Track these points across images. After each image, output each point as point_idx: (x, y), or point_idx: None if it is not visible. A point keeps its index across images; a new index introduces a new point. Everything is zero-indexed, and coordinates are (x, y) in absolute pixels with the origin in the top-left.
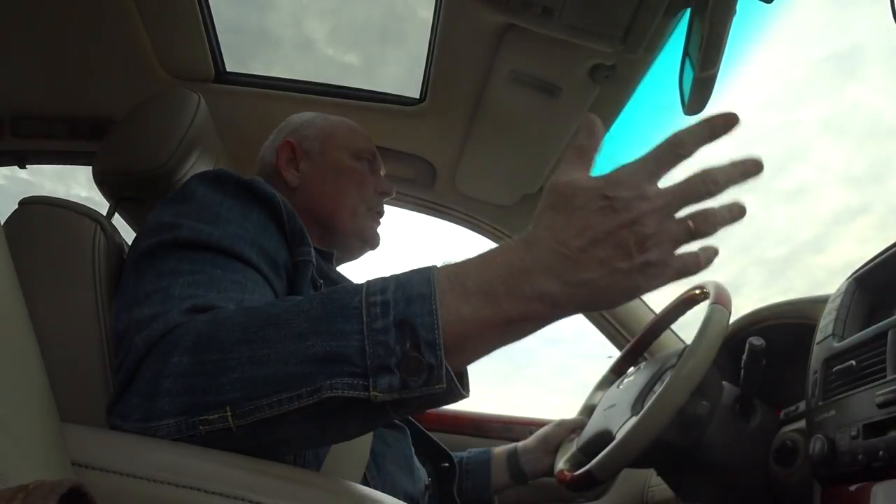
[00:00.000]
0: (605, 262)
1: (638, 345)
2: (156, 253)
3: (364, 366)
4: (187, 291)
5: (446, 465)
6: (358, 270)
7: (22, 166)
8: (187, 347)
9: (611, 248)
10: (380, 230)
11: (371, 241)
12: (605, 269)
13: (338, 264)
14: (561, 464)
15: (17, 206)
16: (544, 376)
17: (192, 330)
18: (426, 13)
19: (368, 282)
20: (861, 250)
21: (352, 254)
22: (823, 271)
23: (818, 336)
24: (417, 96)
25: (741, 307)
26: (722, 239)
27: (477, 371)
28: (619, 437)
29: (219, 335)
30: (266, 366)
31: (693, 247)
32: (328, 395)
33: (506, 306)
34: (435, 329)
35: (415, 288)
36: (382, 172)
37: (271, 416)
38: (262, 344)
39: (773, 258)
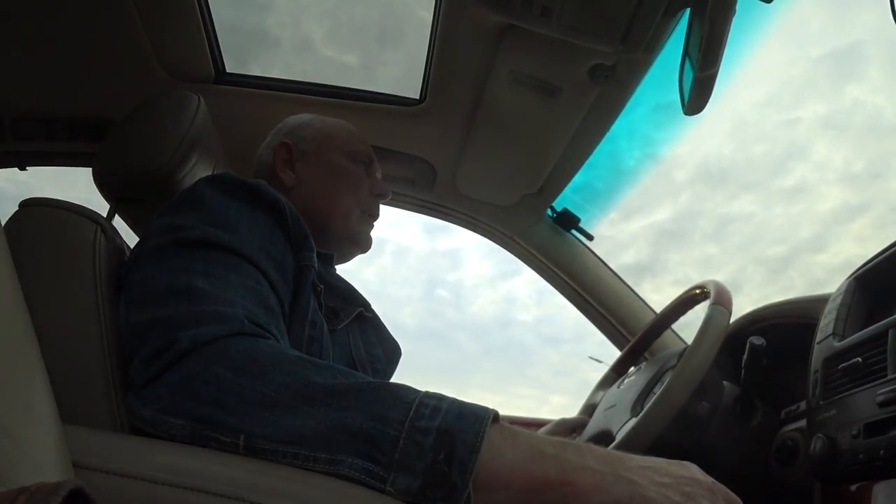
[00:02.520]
0: (659, 483)
1: (639, 344)
2: (166, 250)
3: (390, 458)
4: (234, 297)
5: None
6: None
7: (22, 168)
8: (235, 365)
9: (670, 483)
10: (372, 234)
11: (362, 245)
12: (655, 486)
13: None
14: None
15: (17, 208)
16: (545, 376)
17: (248, 351)
18: (425, 13)
19: (429, 391)
20: (860, 249)
21: (342, 256)
22: (823, 269)
23: (819, 335)
24: (417, 97)
25: (741, 305)
26: (722, 238)
27: (478, 370)
28: (618, 438)
29: (272, 371)
30: (299, 418)
31: None
32: (344, 472)
33: (549, 464)
34: (474, 452)
35: (470, 409)
36: (379, 175)
37: (281, 461)
38: (308, 400)
39: (772, 257)
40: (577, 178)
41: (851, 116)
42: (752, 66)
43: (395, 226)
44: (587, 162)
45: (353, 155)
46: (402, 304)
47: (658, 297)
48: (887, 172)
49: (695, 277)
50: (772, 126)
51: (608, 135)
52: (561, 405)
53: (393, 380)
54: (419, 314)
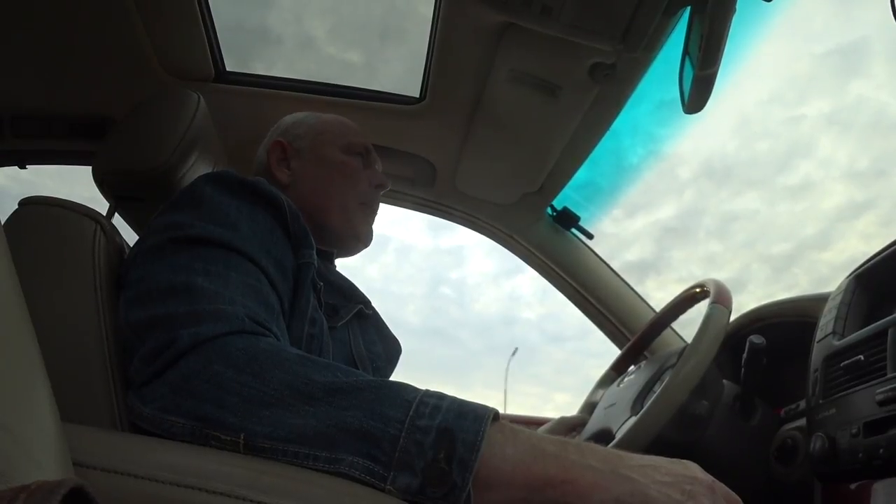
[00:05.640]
0: (660, 482)
1: (639, 343)
2: (165, 248)
3: (391, 457)
4: (234, 295)
5: None
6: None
7: (22, 166)
8: (235, 363)
9: (671, 482)
10: (373, 228)
11: (363, 239)
12: (656, 485)
13: (336, 258)
14: None
15: (16, 207)
16: (548, 374)
17: (248, 349)
18: (427, 10)
19: (430, 389)
20: (865, 246)
21: (344, 251)
22: (828, 267)
23: (818, 334)
24: (417, 95)
25: (745, 303)
26: (727, 235)
27: (480, 367)
28: (618, 436)
29: (273, 370)
30: (299, 417)
31: None
32: (345, 471)
33: (549, 463)
34: (474, 451)
35: (471, 408)
36: (378, 167)
37: (281, 459)
38: (308, 399)
39: (777, 254)
40: (581, 176)
41: (856, 113)
42: (756, 63)
43: (398, 223)
44: (590, 159)
45: (348, 147)
46: (405, 301)
47: (662, 295)
48: (892, 169)
49: (699, 275)
50: (776, 123)
51: (612, 131)
52: (564, 403)
53: (397, 377)
54: (423, 312)
